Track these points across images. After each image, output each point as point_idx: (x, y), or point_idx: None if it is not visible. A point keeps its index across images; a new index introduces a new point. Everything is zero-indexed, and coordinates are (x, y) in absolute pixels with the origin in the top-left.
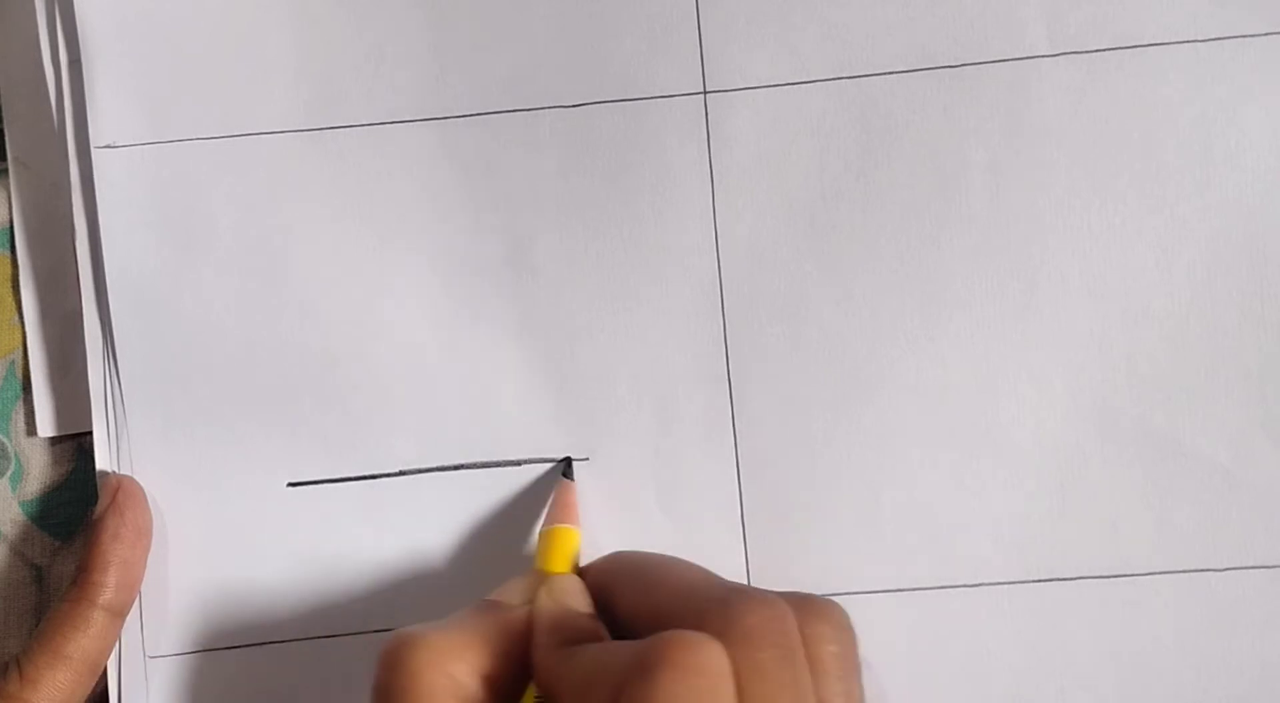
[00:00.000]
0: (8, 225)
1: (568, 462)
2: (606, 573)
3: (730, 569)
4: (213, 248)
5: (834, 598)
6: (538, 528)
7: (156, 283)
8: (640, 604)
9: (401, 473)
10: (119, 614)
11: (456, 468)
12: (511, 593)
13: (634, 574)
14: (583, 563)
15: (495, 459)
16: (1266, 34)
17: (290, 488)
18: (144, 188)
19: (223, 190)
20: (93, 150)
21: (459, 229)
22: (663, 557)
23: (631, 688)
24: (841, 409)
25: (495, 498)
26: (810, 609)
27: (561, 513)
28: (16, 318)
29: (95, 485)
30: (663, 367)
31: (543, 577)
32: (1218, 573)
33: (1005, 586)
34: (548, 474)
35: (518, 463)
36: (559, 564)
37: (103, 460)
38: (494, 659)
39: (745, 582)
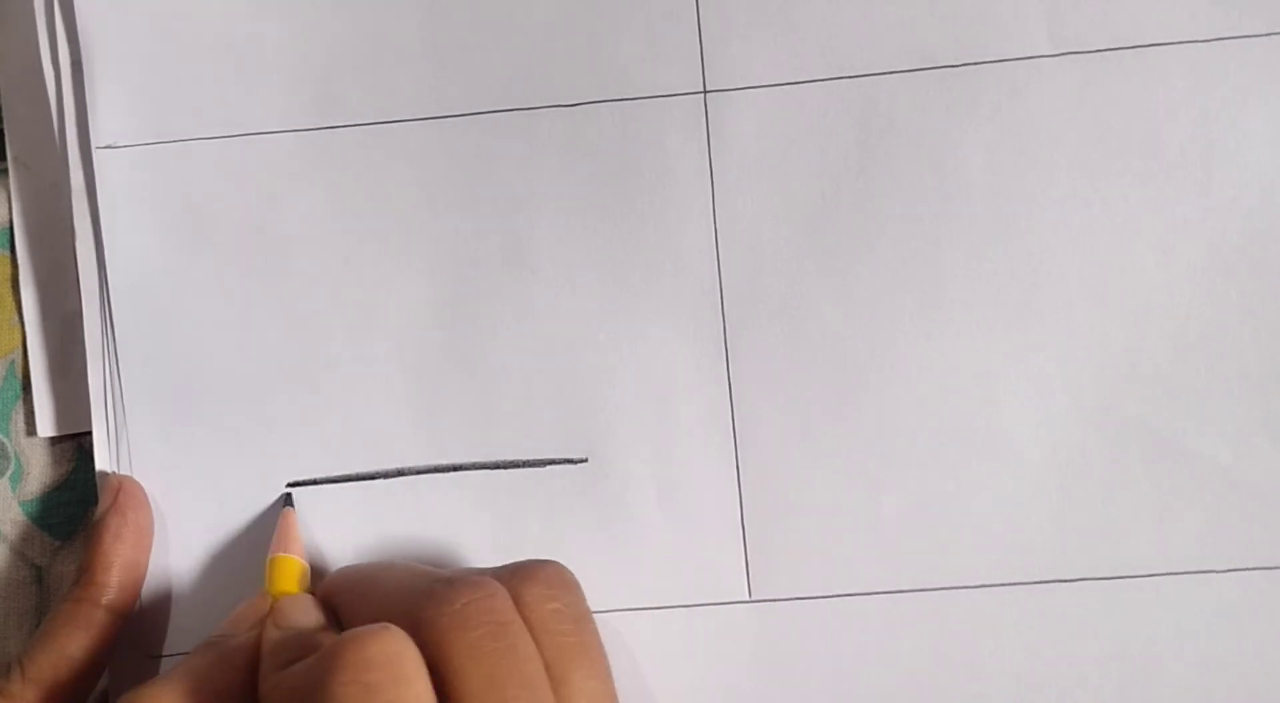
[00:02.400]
0: (8, 225)
1: (288, 496)
2: (331, 589)
3: (730, 570)
4: (213, 247)
5: (833, 599)
6: (534, 529)
7: (157, 283)
8: (362, 614)
9: (401, 473)
10: (120, 614)
11: (456, 468)
12: (236, 622)
13: (354, 585)
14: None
15: (495, 460)
16: (1267, 34)
17: (290, 486)
18: (145, 188)
19: (223, 190)
20: (94, 151)
21: (458, 229)
22: (382, 563)
23: (311, 698)
24: (841, 409)
25: (495, 498)
26: (522, 575)
27: (282, 543)
28: (16, 318)
29: (95, 486)
30: (662, 367)
31: (265, 600)
32: (1219, 574)
33: (1006, 587)
34: (548, 474)
35: (517, 464)
36: (286, 586)
37: (103, 461)
38: (221, 696)
39: (744, 582)
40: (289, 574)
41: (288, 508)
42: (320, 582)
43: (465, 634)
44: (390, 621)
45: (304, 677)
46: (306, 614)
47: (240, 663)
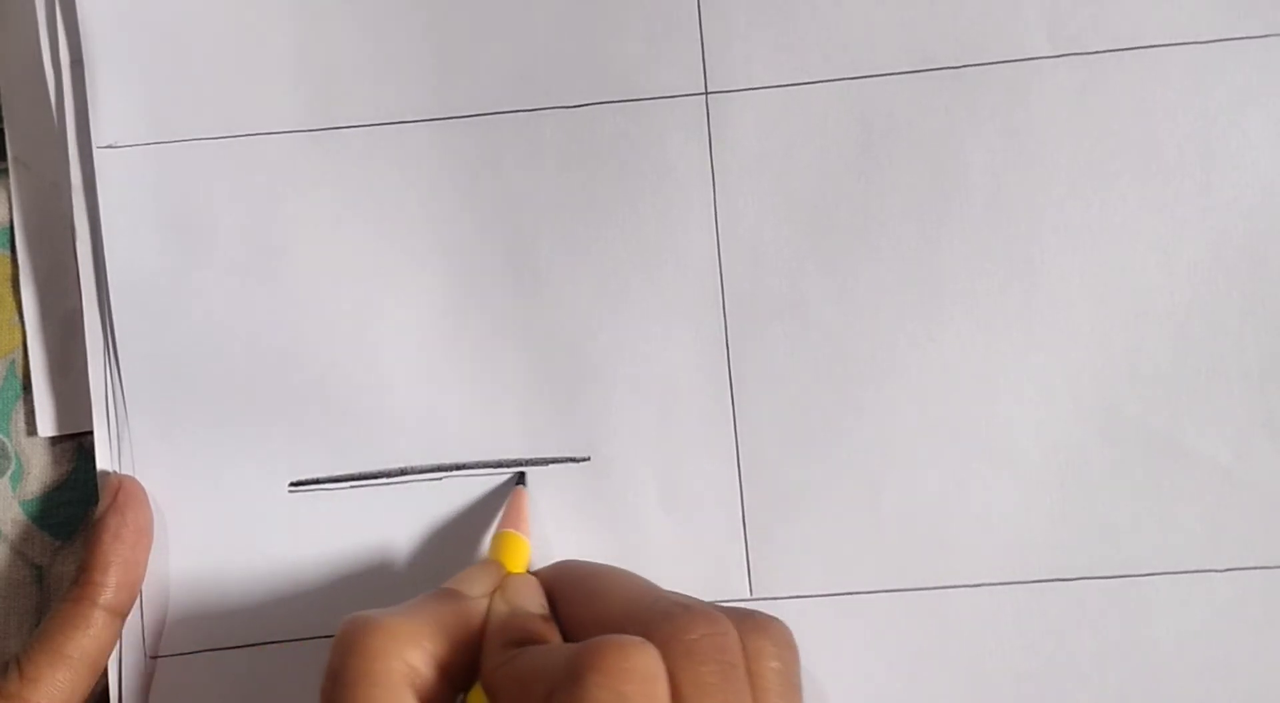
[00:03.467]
0: (8, 225)
1: (521, 475)
2: (553, 580)
3: (731, 568)
4: (214, 248)
5: (834, 598)
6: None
7: (158, 283)
8: (583, 613)
9: (403, 473)
10: (120, 614)
11: (458, 468)
12: (470, 583)
13: (579, 583)
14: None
15: (497, 459)
16: (1266, 36)
17: (292, 488)
18: (146, 188)
19: (224, 190)
20: (95, 151)
21: (460, 229)
22: (608, 567)
23: (561, 692)
24: (842, 409)
25: (496, 498)
26: (754, 625)
27: (513, 520)
28: (16, 318)
29: (95, 485)
30: (664, 367)
31: (500, 571)
32: (1219, 573)
33: (1006, 586)
34: (551, 473)
35: (519, 463)
36: (515, 565)
37: (103, 460)
38: (450, 648)
39: (745, 580)
40: (518, 553)
41: (520, 487)
42: (541, 569)
43: (696, 667)
44: (617, 628)
45: (552, 666)
46: (533, 598)
47: (474, 625)
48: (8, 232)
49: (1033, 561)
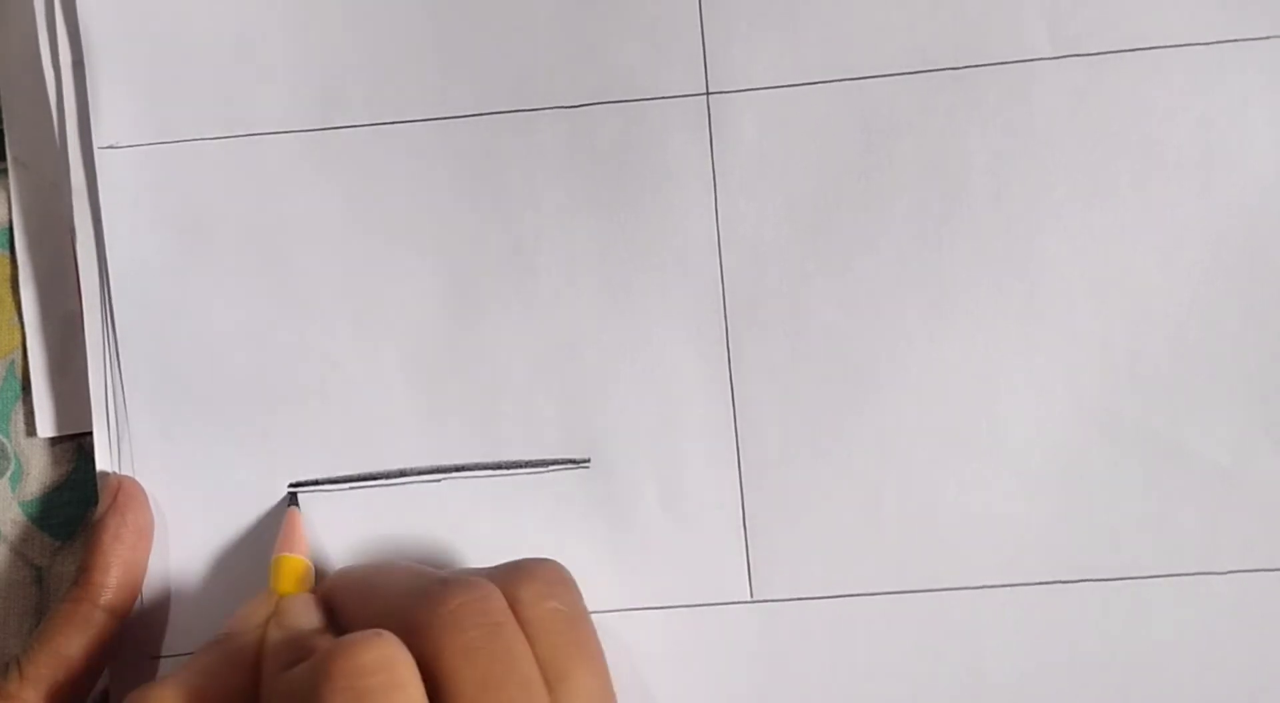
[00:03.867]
0: (8, 225)
1: (293, 496)
2: (331, 591)
3: (732, 570)
4: (216, 248)
5: (834, 600)
6: (537, 530)
7: (159, 283)
8: (358, 617)
9: (403, 474)
10: (120, 615)
11: (458, 469)
12: (244, 619)
13: (352, 587)
14: None
15: (497, 461)
16: (1267, 37)
17: (292, 487)
18: (147, 188)
19: (226, 191)
20: (96, 151)
21: (461, 230)
22: (381, 564)
23: None
24: (843, 411)
25: (497, 500)
26: (518, 575)
27: (287, 543)
28: (16, 318)
29: (95, 486)
30: (664, 368)
31: (273, 597)
32: (1219, 576)
33: (1006, 588)
34: (550, 476)
35: (519, 465)
36: (289, 587)
37: (103, 461)
38: (227, 694)
39: (745, 582)
40: (292, 574)
41: (292, 508)
42: (320, 582)
43: (459, 636)
44: (386, 623)
45: (299, 682)
46: (307, 615)
47: (246, 663)
48: (8, 232)
49: (1033, 563)
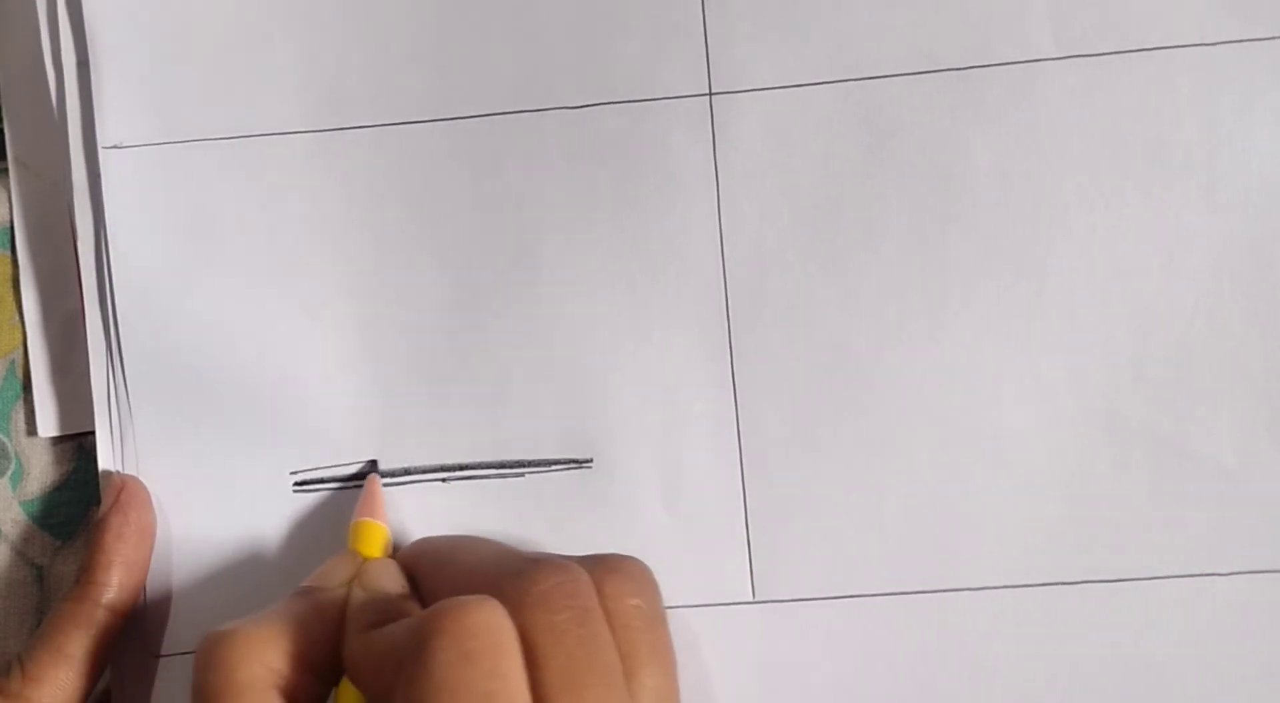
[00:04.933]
0: (8, 225)
1: (374, 462)
2: (412, 559)
3: (734, 571)
4: (220, 248)
5: (837, 601)
6: (539, 529)
7: (163, 283)
8: (441, 585)
9: (407, 473)
10: (121, 614)
11: (461, 469)
12: (328, 576)
13: (436, 557)
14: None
15: (500, 460)
16: (1273, 38)
17: (296, 487)
18: (151, 188)
19: (230, 191)
20: (100, 150)
21: (465, 230)
22: (463, 538)
23: (410, 661)
24: (846, 411)
25: (500, 499)
26: (610, 567)
27: (368, 508)
28: (16, 318)
29: (96, 485)
30: (667, 368)
31: (356, 559)
32: (1223, 577)
33: (1009, 589)
34: (553, 476)
35: (523, 464)
36: (371, 551)
37: (106, 460)
38: (310, 644)
39: (748, 583)
40: (374, 538)
41: (373, 475)
42: (400, 550)
43: (549, 616)
44: (471, 593)
45: (400, 640)
46: (392, 580)
47: (331, 617)
48: (8, 232)
49: (1036, 564)
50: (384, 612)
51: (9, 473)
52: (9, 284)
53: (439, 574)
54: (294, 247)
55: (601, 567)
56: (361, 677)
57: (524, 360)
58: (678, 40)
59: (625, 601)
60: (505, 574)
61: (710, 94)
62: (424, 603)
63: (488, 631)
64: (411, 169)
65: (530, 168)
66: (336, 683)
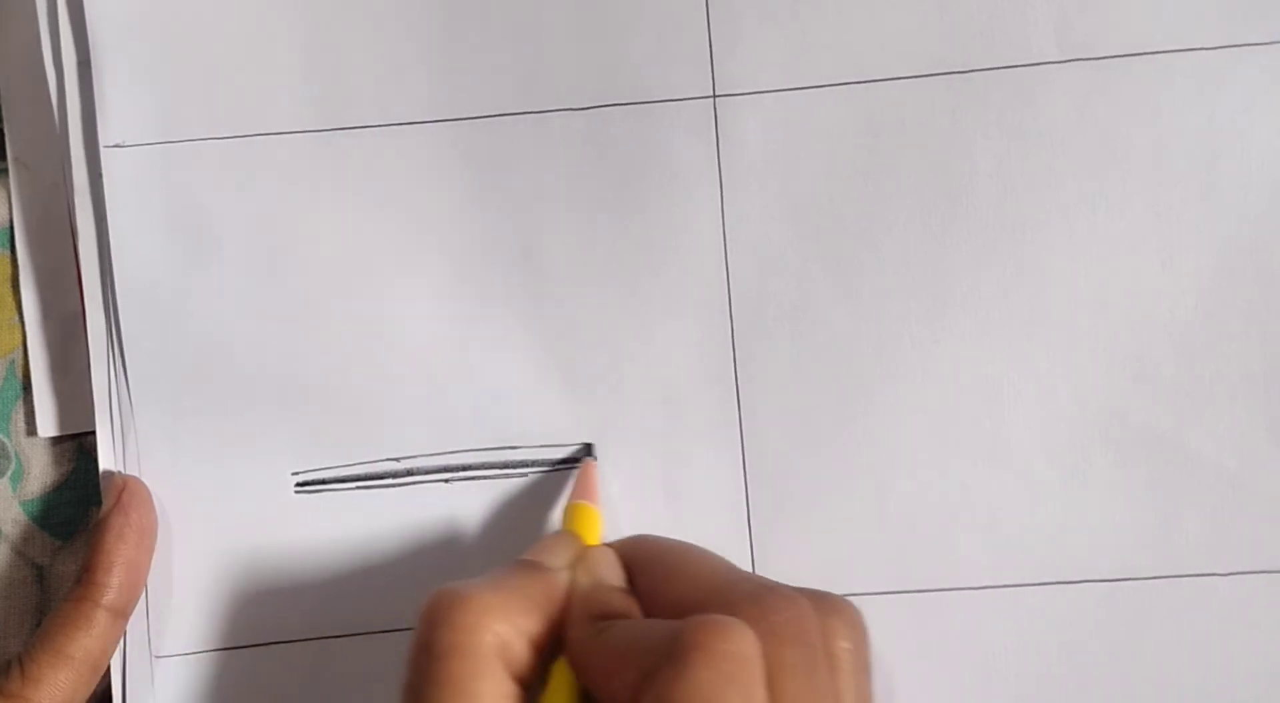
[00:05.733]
0: (8, 225)
1: (589, 446)
2: (629, 554)
3: None
4: (222, 247)
5: None
6: (547, 524)
7: (164, 283)
8: (664, 590)
9: (410, 473)
10: (122, 614)
11: (464, 468)
12: (550, 555)
13: (657, 559)
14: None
15: (504, 459)
16: (1273, 42)
17: (298, 488)
18: (153, 187)
19: (232, 190)
20: (101, 150)
21: (468, 230)
22: (686, 544)
23: (663, 670)
24: (847, 410)
25: (504, 497)
26: (828, 607)
27: (584, 491)
28: (16, 318)
29: (96, 485)
30: (671, 366)
31: (578, 542)
32: (1223, 577)
33: (1010, 588)
34: (556, 474)
35: (527, 463)
36: (591, 536)
37: (107, 460)
38: (538, 622)
39: None
40: (593, 524)
41: (589, 459)
42: (618, 542)
43: (780, 648)
44: (701, 608)
45: (652, 643)
46: (612, 572)
47: (560, 599)
48: (8, 232)
49: (1036, 563)
50: (609, 605)
51: (9, 473)
52: (9, 284)
53: (662, 579)
54: (297, 246)
55: (824, 606)
56: (590, 669)
57: (527, 358)
58: (682, 42)
59: (839, 642)
60: (740, 597)
61: (714, 96)
62: (642, 603)
63: (745, 658)
64: (415, 169)
65: (534, 169)
66: (550, 663)
